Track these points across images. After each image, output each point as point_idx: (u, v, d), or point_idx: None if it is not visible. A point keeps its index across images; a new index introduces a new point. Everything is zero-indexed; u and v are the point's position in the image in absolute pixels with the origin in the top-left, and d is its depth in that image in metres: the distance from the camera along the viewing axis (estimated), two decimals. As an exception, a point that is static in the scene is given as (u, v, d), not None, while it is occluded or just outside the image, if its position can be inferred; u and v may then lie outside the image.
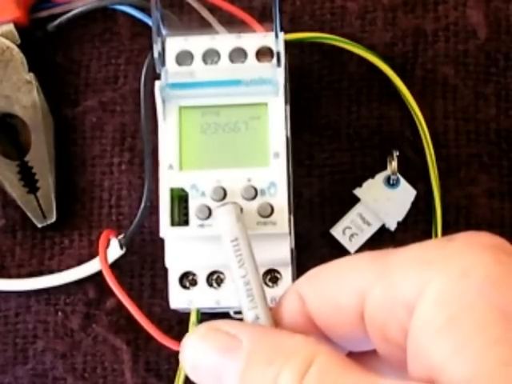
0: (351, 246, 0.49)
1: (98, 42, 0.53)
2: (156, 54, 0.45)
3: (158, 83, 0.45)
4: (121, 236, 0.48)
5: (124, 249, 0.48)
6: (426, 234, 0.49)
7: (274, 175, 0.44)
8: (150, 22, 0.47)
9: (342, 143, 0.51)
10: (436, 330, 0.27)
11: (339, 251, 0.49)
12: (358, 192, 0.49)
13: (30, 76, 0.51)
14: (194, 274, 0.45)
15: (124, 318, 0.49)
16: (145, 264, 0.50)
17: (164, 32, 0.46)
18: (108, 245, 0.48)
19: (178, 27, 0.48)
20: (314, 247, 0.50)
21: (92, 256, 0.50)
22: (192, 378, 0.32)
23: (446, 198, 0.49)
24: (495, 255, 0.28)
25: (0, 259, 0.51)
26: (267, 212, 0.44)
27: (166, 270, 0.46)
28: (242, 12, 0.51)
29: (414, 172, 0.50)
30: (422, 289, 0.28)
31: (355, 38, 0.51)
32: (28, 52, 0.51)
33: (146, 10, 0.51)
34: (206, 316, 0.47)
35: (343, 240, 0.49)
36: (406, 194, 0.49)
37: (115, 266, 0.48)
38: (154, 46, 0.45)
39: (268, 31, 0.45)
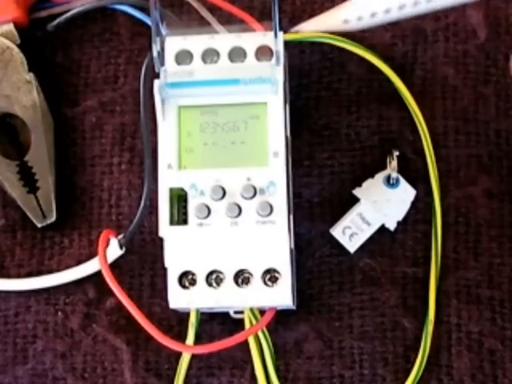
0: (351, 246, 0.49)
1: (98, 41, 0.53)
2: (155, 54, 0.45)
3: (157, 82, 0.45)
4: (120, 236, 0.48)
5: (123, 249, 0.48)
6: (425, 234, 0.49)
7: (273, 174, 0.44)
8: (149, 21, 0.47)
9: (341, 143, 0.51)
10: None
11: (339, 251, 0.49)
12: (357, 192, 0.49)
13: (30, 76, 0.51)
14: (193, 274, 0.45)
15: (124, 317, 0.49)
16: (144, 264, 0.50)
17: (163, 31, 0.46)
18: (107, 245, 0.48)
19: (177, 27, 0.48)
20: (314, 247, 0.50)
21: (91, 256, 0.50)
22: None
23: (445, 198, 0.49)
24: None
25: (0, 259, 0.51)
26: (266, 211, 0.44)
27: (165, 270, 0.46)
28: (241, 11, 0.51)
29: (414, 172, 0.50)
30: None
31: (355, 38, 0.51)
32: (28, 52, 0.51)
33: (145, 10, 0.51)
34: (205, 315, 0.48)
35: (343, 240, 0.49)
36: (405, 193, 0.49)
37: (115, 266, 0.48)
38: (153, 46, 0.45)
39: (267, 30, 0.46)
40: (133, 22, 0.53)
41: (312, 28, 0.37)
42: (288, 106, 0.47)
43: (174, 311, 0.47)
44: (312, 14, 0.52)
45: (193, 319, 0.45)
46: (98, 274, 0.48)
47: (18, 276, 0.51)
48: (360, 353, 0.48)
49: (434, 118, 0.51)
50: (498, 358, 0.48)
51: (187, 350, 0.46)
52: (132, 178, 0.51)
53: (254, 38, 0.46)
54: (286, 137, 0.45)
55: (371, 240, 0.49)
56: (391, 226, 0.49)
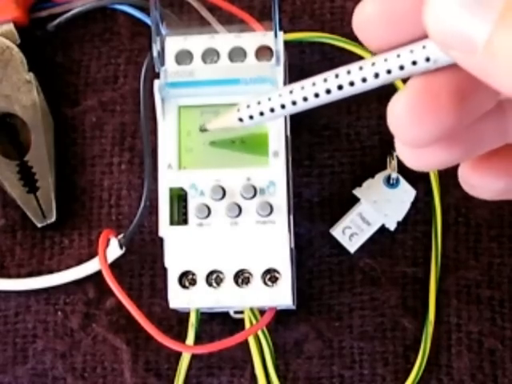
0: (351, 246, 0.49)
1: (98, 41, 0.53)
2: (155, 54, 0.45)
3: (157, 82, 0.45)
4: (120, 236, 0.48)
5: (123, 248, 0.48)
6: (425, 234, 0.49)
7: (273, 174, 0.44)
8: (149, 21, 0.47)
9: (341, 143, 0.51)
10: None
11: (339, 251, 0.49)
12: (357, 192, 0.49)
13: (30, 76, 0.51)
14: (193, 274, 0.45)
15: (124, 317, 0.49)
16: (144, 264, 0.50)
17: (163, 31, 0.46)
18: (107, 244, 0.48)
19: (177, 26, 0.48)
20: (314, 247, 0.50)
21: (91, 256, 0.50)
22: (434, 38, 0.27)
23: (445, 198, 0.49)
24: None
25: (0, 259, 0.51)
26: (266, 211, 0.44)
27: (165, 270, 0.46)
28: (241, 11, 0.51)
29: (414, 172, 0.50)
30: None
31: (355, 38, 0.51)
32: (28, 52, 0.51)
33: (145, 10, 0.51)
34: (205, 315, 0.48)
35: (343, 240, 0.49)
36: (405, 194, 0.49)
37: (115, 266, 0.48)
38: (154, 46, 0.45)
39: (267, 30, 0.46)
40: (133, 22, 0.53)
41: (215, 127, 0.41)
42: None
43: (174, 311, 0.47)
44: (312, 14, 0.52)
45: (193, 319, 0.45)
46: (98, 273, 0.48)
47: (18, 276, 0.51)
48: (360, 353, 0.48)
49: (433, 117, 0.51)
50: (497, 357, 0.48)
51: (187, 350, 0.46)
52: (132, 177, 0.51)
53: (254, 38, 0.46)
54: (286, 137, 0.45)
55: (371, 240, 0.49)
56: (391, 226, 0.49)
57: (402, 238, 0.50)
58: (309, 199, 0.50)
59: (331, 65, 0.51)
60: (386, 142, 0.50)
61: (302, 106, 0.34)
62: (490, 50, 0.25)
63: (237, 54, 0.46)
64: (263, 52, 0.45)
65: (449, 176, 0.50)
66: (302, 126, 0.51)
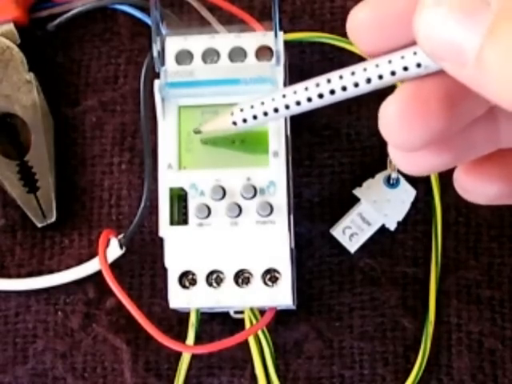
0: (351, 246, 0.49)
1: (98, 41, 0.53)
2: (155, 54, 0.45)
3: (157, 82, 0.45)
4: (120, 236, 0.48)
5: (124, 248, 0.48)
6: (425, 234, 0.49)
7: (273, 174, 0.44)
8: (149, 21, 0.47)
9: (341, 143, 0.51)
10: None
11: (339, 251, 0.49)
12: (357, 192, 0.49)
13: (30, 76, 0.51)
14: (193, 274, 0.45)
15: (124, 317, 0.49)
16: (144, 264, 0.50)
17: (163, 31, 0.46)
18: (108, 244, 0.48)
19: (177, 26, 0.48)
20: (314, 247, 0.50)
21: (92, 256, 0.50)
22: (425, 49, 0.27)
23: (445, 197, 0.49)
24: None
25: (0, 259, 0.51)
26: (267, 211, 0.44)
27: (165, 270, 0.46)
28: (241, 11, 0.51)
29: (414, 172, 0.50)
30: None
31: (355, 38, 0.51)
32: (28, 52, 0.51)
33: (145, 10, 0.51)
34: (205, 315, 0.48)
35: (343, 240, 0.49)
36: (405, 193, 0.49)
37: (115, 266, 0.48)
38: (154, 46, 0.45)
39: (267, 30, 0.46)
40: (133, 22, 0.53)
41: (209, 129, 0.43)
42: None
43: (174, 311, 0.47)
44: (312, 14, 0.52)
45: (193, 319, 0.45)
46: (98, 273, 0.48)
47: (19, 276, 0.51)
48: (360, 353, 0.48)
49: (434, 117, 0.51)
50: (497, 357, 0.48)
51: (187, 350, 0.46)
52: (132, 177, 0.51)
53: (254, 38, 0.46)
54: (286, 137, 0.45)
55: (371, 240, 0.49)
56: (391, 226, 0.49)
57: (402, 238, 0.50)
58: (309, 199, 0.50)
59: (331, 65, 0.52)
60: (386, 142, 0.50)
61: (295, 110, 0.34)
62: (480, 62, 0.25)
63: (237, 54, 0.46)
64: (263, 52, 0.45)
65: (449, 176, 0.50)
66: (302, 125, 0.51)
